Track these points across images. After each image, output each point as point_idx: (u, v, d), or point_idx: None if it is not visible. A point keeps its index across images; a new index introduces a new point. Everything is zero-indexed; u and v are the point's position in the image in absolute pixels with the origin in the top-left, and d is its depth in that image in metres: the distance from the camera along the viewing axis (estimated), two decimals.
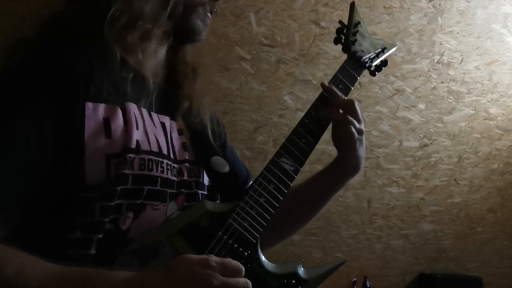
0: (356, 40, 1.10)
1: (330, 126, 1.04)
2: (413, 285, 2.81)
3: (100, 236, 0.81)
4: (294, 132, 1.00)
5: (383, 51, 1.15)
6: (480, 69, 2.24)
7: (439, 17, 2.03)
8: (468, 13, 2.04)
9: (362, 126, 1.03)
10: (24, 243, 0.75)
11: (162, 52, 1.01)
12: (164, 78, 1.04)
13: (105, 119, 0.84)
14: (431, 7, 1.99)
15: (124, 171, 0.83)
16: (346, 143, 1.02)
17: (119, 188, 0.83)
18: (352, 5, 1.13)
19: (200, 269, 0.74)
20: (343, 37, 1.10)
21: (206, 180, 1.03)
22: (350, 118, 1.00)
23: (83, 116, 0.82)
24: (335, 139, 1.05)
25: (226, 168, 1.02)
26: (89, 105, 0.83)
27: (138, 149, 0.86)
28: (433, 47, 2.11)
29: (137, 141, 0.87)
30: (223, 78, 1.92)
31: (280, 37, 1.90)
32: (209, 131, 1.04)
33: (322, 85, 1.07)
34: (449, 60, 2.17)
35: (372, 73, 1.14)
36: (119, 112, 0.86)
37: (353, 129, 0.99)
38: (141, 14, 0.91)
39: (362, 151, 1.04)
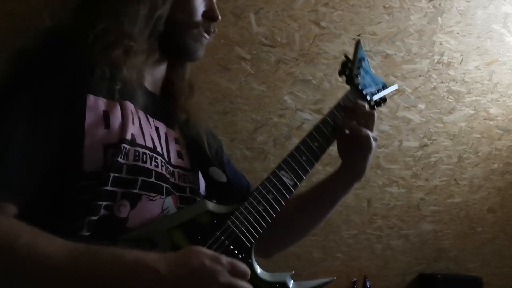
0: (359, 74, 1.17)
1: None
2: (413, 285, 2.81)
3: (93, 218, 0.83)
4: (297, 148, 1.05)
5: (383, 88, 1.22)
6: (480, 69, 2.24)
7: (439, 17, 2.03)
8: (468, 13, 2.04)
9: (376, 136, 1.10)
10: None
11: (162, 69, 1.07)
12: (162, 89, 1.09)
13: (105, 112, 0.89)
14: (431, 7, 1.99)
15: (119, 160, 0.86)
16: (361, 150, 1.08)
17: (112, 174, 0.85)
18: (358, 43, 1.19)
19: (211, 264, 0.77)
20: (348, 70, 1.16)
21: (202, 189, 1.07)
22: (369, 128, 1.07)
23: (85, 107, 0.86)
24: (346, 147, 1.11)
25: (223, 178, 1.06)
26: (91, 97, 0.88)
27: (133, 142, 0.90)
28: (433, 47, 2.11)
29: (132, 134, 0.90)
30: (223, 78, 1.92)
31: (280, 37, 1.90)
32: (206, 143, 1.09)
33: (346, 101, 1.13)
34: (449, 60, 2.17)
35: (372, 107, 1.19)
36: (118, 107, 0.91)
37: (372, 138, 1.06)
38: (126, 34, 0.96)
39: (370, 160, 1.10)
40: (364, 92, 1.17)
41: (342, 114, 1.10)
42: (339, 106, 1.11)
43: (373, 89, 1.19)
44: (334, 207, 1.18)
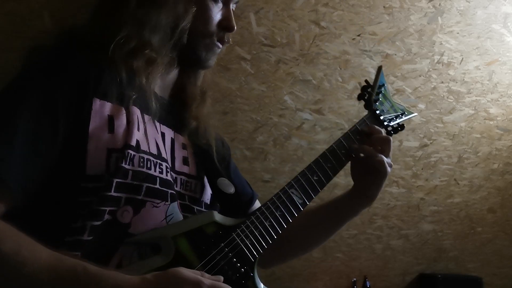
0: (378, 99, 1.18)
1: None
2: (413, 285, 2.82)
3: (96, 223, 0.83)
4: (309, 167, 1.04)
5: (402, 115, 1.22)
6: (480, 69, 2.24)
7: (439, 17, 2.03)
8: (468, 13, 2.04)
9: (391, 162, 1.09)
10: (24, 225, 0.76)
11: (173, 74, 1.06)
12: (173, 95, 1.08)
13: (110, 116, 0.88)
14: (431, 7, 1.99)
15: (124, 165, 0.86)
16: (374, 174, 1.07)
17: (115, 180, 0.85)
18: (379, 69, 1.19)
19: None
20: (367, 95, 1.17)
21: (207, 197, 1.06)
22: (385, 153, 1.07)
23: (90, 110, 0.86)
24: (360, 171, 1.10)
25: (232, 189, 1.06)
26: (97, 101, 0.87)
27: (137, 148, 0.90)
28: (433, 47, 2.11)
29: (137, 140, 0.90)
30: (223, 78, 1.92)
31: (280, 37, 1.90)
32: (215, 153, 1.08)
33: (362, 125, 1.13)
34: (449, 60, 2.17)
35: (389, 133, 1.19)
36: (124, 112, 0.90)
37: (387, 164, 1.06)
38: (148, 43, 0.95)
39: (383, 186, 1.09)
40: (382, 118, 1.17)
41: (357, 138, 1.10)
42: (355, 130, 1.11)
43: (391, 115, 1.20)
44: (339, 228, 1.18)
